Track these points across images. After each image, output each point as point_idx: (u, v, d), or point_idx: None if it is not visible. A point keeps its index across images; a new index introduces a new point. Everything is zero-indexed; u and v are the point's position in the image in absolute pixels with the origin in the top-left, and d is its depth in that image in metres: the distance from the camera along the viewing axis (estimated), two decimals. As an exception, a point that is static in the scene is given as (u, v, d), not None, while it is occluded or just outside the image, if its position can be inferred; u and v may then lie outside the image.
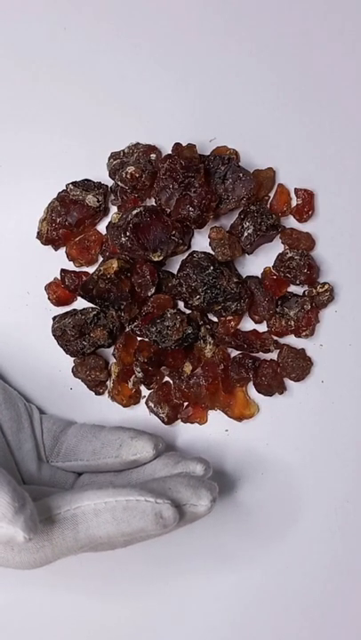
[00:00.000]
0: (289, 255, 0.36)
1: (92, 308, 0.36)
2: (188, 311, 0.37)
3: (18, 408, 0.35)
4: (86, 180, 0.37)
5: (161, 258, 0.35)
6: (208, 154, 0.36)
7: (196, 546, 0.37)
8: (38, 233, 0.37)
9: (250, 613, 0.37)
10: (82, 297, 0.36)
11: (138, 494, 0.29)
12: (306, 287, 0.37)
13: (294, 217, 0.37)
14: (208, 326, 0.37)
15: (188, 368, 0.36)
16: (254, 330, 0.37)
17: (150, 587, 0.37)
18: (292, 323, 0.37)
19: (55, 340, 0.36)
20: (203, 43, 0.38)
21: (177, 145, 0.36)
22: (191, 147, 0.36)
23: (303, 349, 0.37)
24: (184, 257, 0.36)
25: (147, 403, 0.37)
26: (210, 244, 0.36)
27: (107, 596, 0.37)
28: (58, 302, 0.37)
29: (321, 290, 0.37)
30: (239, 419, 0.37)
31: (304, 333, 0.37)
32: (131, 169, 0.35)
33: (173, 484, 0.31)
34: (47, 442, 0.35)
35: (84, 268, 0.37)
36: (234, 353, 0.37)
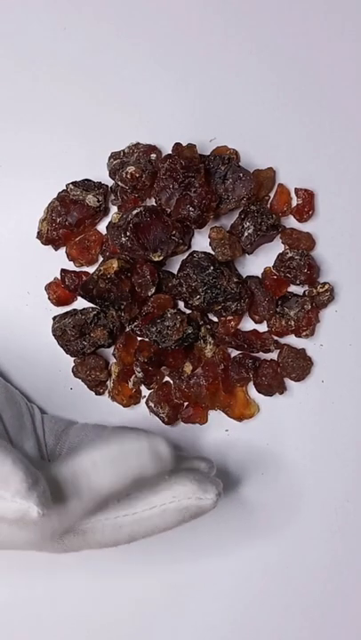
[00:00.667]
0: (289, 255, 0.36)
1: (92, 307, 0.36)
2: (188, 311, 0.37)
3: (20, 407, 0.35)
4: (86, 179, 0.37)
5: (161, 258, 0.35)
6: (208, 154, 0.36)
7: (196, 545, 0.37)
8: (38, 233, 0.37)
9: (250, 613, 0.37)
10: (82, 297, 0.36)
11: (132, 435, 0.30)
12: (306, 287, 0.37)
13: (294, 217, 0.37)
14: (208, 326, 0.37)
15: (188, 368, 0.36)
16: (254, 330, 0.37)
17: (150, 584, 0.37)
18: (293, 323, 0.37)
19: (55, 340, 0.36)
20: (203, 43, 0.38)
21: (177, 145, 0.36)
22: (191, 147, 0.36)
23: (303, 349, 0.37)
24: (184, 257, 0.36)
25: (147, 403, 0.37)
26: (210, 244, 0.36)
27: (106, 593, 0.37)
28: (58, 302, 0.37)
29: (321, 290, 0.37)
30: (239, 419, 0.37)
31: (304, 333, 0.37)
32: (131, 169, 0.35)
33: (179, 478, 0.31)
34: (49, 441, 0.35)
35: (84, 268, 0.37)
36: (234, 353, 0.37)
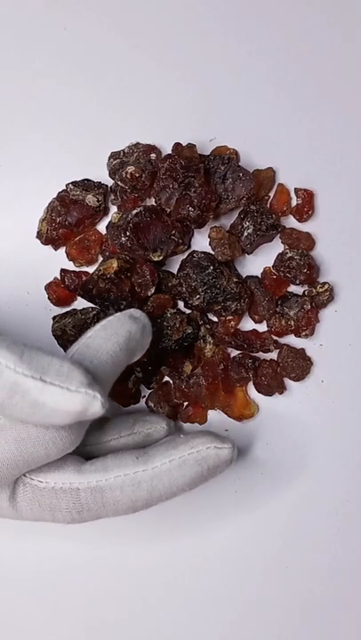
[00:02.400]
0: (289, 255, 0.36)
1: (92, 307, 0.36)
2: (188, 311, 0.37)
3: None
4: (86, 179, 0.37)
5: (161, 258, 0.35)
6: (208, 154, 0.36)
7: (195, 545, 0.37)
8: (38, 233, 0.37)
9: (250, 613, 0.37)
10: (82, 297, 0.36)
11: (105, 321, 0.32)
12: (306, 287, 0.37)
13: (294, 217, 0.37)
14: (208, 326, 0.37)
15: (188, 368, 0.36)
16: (254, 330, 0.37)
17: (150, 584, 0.37)
18: (292, 322, 0.37)
19: (55, 340, 0.36)
20: (203, 43, 0.38)
21: (177, 145, 0.36)
22: (191, 146, 0.36)
23: (303, 349, 0.37)
24: (184, 257, 0.36)
25: (147, 402, 0.37)
26: (210, 244, 0.36)
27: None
28: (58, 302, 0.37)
29: (321, 290, 0.37)
30: (239, 419, 0.37)
31: (304, 333, 0.37)
32: (131, 169, 0.35)
33: (196, 433, 0.32)
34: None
35: (84, 268, 0.37)
36: (234, 353, 0.37)
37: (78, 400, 0.28)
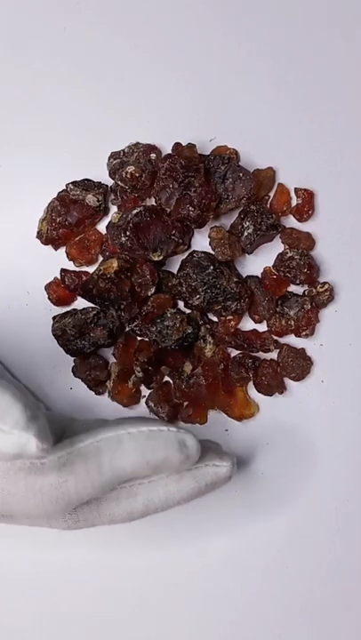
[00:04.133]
0: (289, 255, 0.36)
1: (92, 307, 0.36)
2: (188, 311, 0.37)
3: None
4: (86, 179, 0.37)
5: (161, 257, 0.35)
6: (208, 153, 0.36)
7: (195, 544, 0.37)
8: (38, 233, 0.37)
9: (250, 613, 0.37)
10: (82, 297, 0.36)
11: (161, 425, 0.29)
12: (306, 287, 0.37)
13: (294, 217, 0.37)
14: (208, 326, 0.37)
15: (188, 368, 0.36)
16: (254, 329, 0.37)
17: (149, 585, 0.37)
18: (292, 322, 0.37)
19: (55, 340, 0.36)
20: (203, 43, 0.38)
21: (177, 145, 0.36)
22: (191, 146, 0.36)
23: (303, 349, 0.37)
24: (184, 257, 0.36)
25: (147, 402, 0.37)
26: (210, 244, 0.36)
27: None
28: (58, 302, 0.37)
29: (321, 289, 0.37)
30: (239, 418, 0.37)
31: (304, 333, 0.37)
32: (131, 169, 0.35)
33: None
34: (53, 436, 0.35)
35: (84, 268, 0.37)
36: (234, 353, 0.37)
37: (11, 442, 0.27)
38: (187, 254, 0.36)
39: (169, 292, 0.37)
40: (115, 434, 0.29)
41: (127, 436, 0.29)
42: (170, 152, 0.36)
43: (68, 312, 0.37)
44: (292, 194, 0.37)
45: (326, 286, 0.37)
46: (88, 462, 0.29)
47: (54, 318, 0.37)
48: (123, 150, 0.37)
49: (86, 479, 0.29)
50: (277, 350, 0.37)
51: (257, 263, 0.37)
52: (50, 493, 0.29)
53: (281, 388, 0.37)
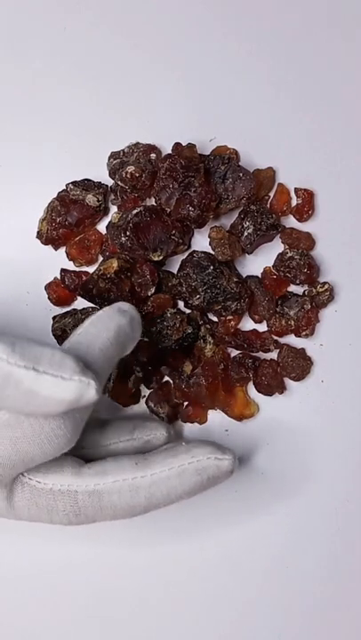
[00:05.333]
0: (289, 255, 0.36)
1: (92, 307, 0.36)
2: (188, 311, 0.37)
3: None
4: (86, 179, 0.37)
5: (161, 257, 0.35)
6: (208, 153, 0.36)
7: (194, 544, 0.37)
8: (38, 233, 0.37)
9: (250, 613, 0.37)
10: (82, 297, 0.36)
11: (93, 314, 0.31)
12: (306, 287, 0.37)
13: (294, 217, 0.37)
14: (208, 326, 0.37)
15: (188, 368, 0.36)
16: (254, 329, 0.37)
17: (149, 584, 0.37)
18: (292, 322, 0.37)
19: (55, 340, 0.36)
20: (203, 43, 0.38)
21: (177, 145, 0.36)
22: (191, 146, 0.36)
23: (303, 349, 0.37)
24: (184, 257, 0.36)
25: (147, 402, 0.37)
26: (210, 244, 0.36)
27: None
28: (58, 302, 0.37)
29: (321, 289, 0.37)
30: (239, 418, 0.37)
31: (304, 333, 0.37)
32: (131, 168, 0.35)
33: (197, 442, 0.32)
34: None
35: (84, 268, 0.37)
36: (234, 353, 0.37)
37: (72, 387, 0.28)
38: (187, 254, 0.36)
39: (169, 292, 0.37)
40: (70, 339, 0.31)
41: (80, 333, 0.31)
42: (170, 152, 0.36)
43: (68, 312, 0.37)
44: (292, 194, 0.37)
45: (326, 286, 0.37)
46: (66, 360, 0.29)
47: (54, 318, 0.37)
48: (123, 150, 0.37)
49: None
50: (277, 350, 0.37)
51: (257, 263, 0.37)
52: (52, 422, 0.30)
53: (281, 388, 0.37)
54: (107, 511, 0.31)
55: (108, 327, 0.31)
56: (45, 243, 0.37)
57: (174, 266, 0.37)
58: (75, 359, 0.28)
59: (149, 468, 0.31)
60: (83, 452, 0.33)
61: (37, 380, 0.28)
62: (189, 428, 0.37)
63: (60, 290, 0.37)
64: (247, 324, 0.37)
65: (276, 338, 0.37)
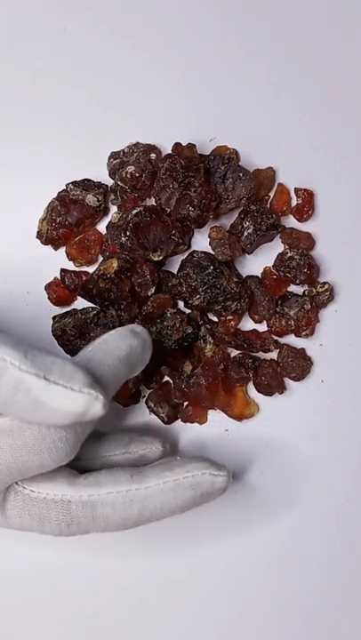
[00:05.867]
0: (289, 255, 0.36)
1: (92, 307, 0.36)
2: (188, 311, 0.37)
3: None
4: (86, 179, 0.37)
5: (161, 257, 0.35)
6: (208, 153, 0.36)
7: (194, 543, 0.37)
8: (38, 233, 0.37)
9: (250, 614, 0.37)
10: (82, 297, 0.36)
11: (107, 333, 0.31)
12: (306, 287, 0.37)
13: (294, 217, 0.37)
14: (208, 326, 0.37)
15: (188, 368, 0.36)
16: (254, 329, 0.37)
17: (148, 588, 0.37)
18: (292, 322, 0.37)
19: (55, 340, 0.36)
20: (203, 43, 0.38)
21: (177, 145, 0.36)
22: (191, 146, 0.36)
23: (303, 349, 0.37)
24: (184, 257, 0.36)
25: (147, 402, 0.37)
26: (210, 244, 0.36)
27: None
28: (58, 302, 0.37)
29: (321, 289, 0.37)
30: (239, 418, 0.37)
31: (304, 333, 0.37)
32: (131, 168, 0.35)
33: (192, 458, 0.32)
34: None
35: (84, 268, 0.37)
36: (234, 353, 0.37)
37: (81, 400, 0.28)
38: (187, 254, 0.36)
39: (169, 292, 0.37)
40: (81, 354, 0.31)
41: (91, 350, 0.31)
42: (170, 152, 0.36)
43: (68, 312, 0.37)
44: (292, 194, 0.37)
45: (326, 286, 0.37)
46: (77, 372, 0.29)
47: (54, 318, 0.37)
48: (123, 150, 0.37)
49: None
50: (277, 350, 0.37)
51: (257, 263, 0.37)
52: (55, 434, 0.30)
53: (281, 388, 0.37)
54: (99, 523, 0.31)
55: (119, 346, 0.31)
56: (45, 243, 0.37)
57: (174, 266, 0.37)
58: (85, 372, 0.28)
59: (144, 481, 0.31)
60: (78, 464, 0.33)
61: (47, 389, 0.28)
62: (189, 428, 0.37)
63: (60, 290, 0.37)
64: (247, 324, 0.37)
65: (276, 338, 0.37)
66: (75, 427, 0.29)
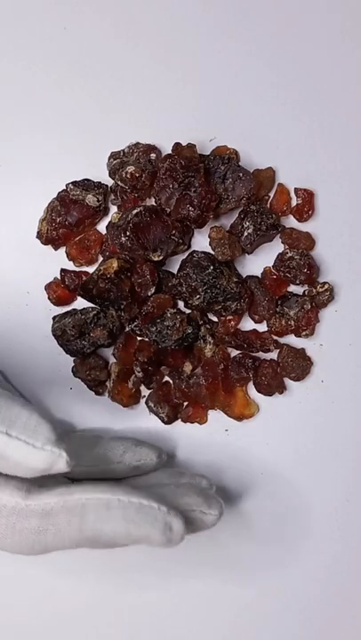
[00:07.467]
0: (289, 255, 0.36)
1: (92, 307, 0.36)
2: (188, 311, 0.37)
3: None
4: (86, 179, 0.37)
5: (161, 257, 0.35)
6: (208, 154, 0.36)
7: (194, 544, 0.37)
8: (38, 233, 0.37)
9: (250, 614, 0.37)
10: (82, 297, 0.36)
11: (154, 500, 0.29)
12: (306, 287, 0.37)
13: (294, 217, 0.37)
14: (208, 326, 0.37)
15: (188, 368, 0.36)
16: (254, 329, 0.37)
17: (149, 589, 0.37)
18: (292, 322, 0.37)
19: (55, 340, 0.36)
20: (203, 43, 0.38)
21: (177, 145, 0.36)
22: (191, 146, 0.36)
23: (303, 349, 0.37)
24: (184, 257, 0.36)
25: (147, 402, 0.37)
26: (210, 244, 0.36)
27: (101, 604, 0.37)
28: (58, 302, 0.37)
29: (321, 289, 0.37)
30: (239, 418, 0.37)
31: (304, 333, 0.37)
32: (131, 168, 0.35)
33: (185, 489, 0.31)
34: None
35: (84, 268, 0.37)
36: (234, 353, 0.37)
37: (42, 457, 0.28)
38: (187, 254, 0.36)
39: (169, 292, 0.37)
40: (105, 497, 0.29)
41: (116, 503, 0.29)
42: (170, 152, 0.36)
43: (68, 312, 0.37)
44: (292, 194, 0.37)
45: (326, 286, 0.37)
46: (71, 517, 0.29)
47: (54, 318, 0.37)
48: (123, 150, 0.37)
49: (65, 533, 0.29)
50: (277, 350, 0.37)
51: (257, 263, 0.37)
52: (28, 537, 0.29)
53: (281, 388, 0.37)
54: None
55: (140, 526, 0.29)
56: (45, 243, 0.37)
57: (174, 266, 0.37)
58: (50, 427, 0.28)
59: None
60: (78, 469, 0.33)
61: (9, 444, 0.27)
62: (189, 428, 0.37)
63: (60, 290, 0.37)
64: (247, 324, 0.37)
65: (276, 338, 0.37)
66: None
